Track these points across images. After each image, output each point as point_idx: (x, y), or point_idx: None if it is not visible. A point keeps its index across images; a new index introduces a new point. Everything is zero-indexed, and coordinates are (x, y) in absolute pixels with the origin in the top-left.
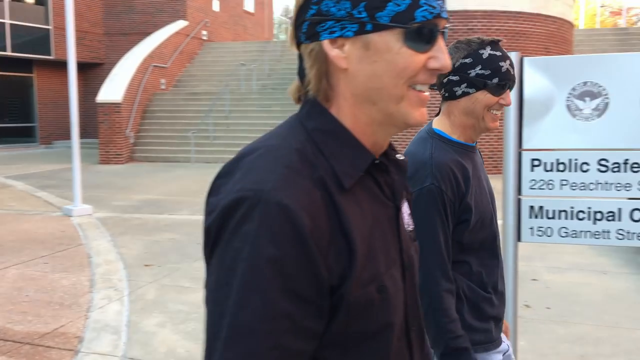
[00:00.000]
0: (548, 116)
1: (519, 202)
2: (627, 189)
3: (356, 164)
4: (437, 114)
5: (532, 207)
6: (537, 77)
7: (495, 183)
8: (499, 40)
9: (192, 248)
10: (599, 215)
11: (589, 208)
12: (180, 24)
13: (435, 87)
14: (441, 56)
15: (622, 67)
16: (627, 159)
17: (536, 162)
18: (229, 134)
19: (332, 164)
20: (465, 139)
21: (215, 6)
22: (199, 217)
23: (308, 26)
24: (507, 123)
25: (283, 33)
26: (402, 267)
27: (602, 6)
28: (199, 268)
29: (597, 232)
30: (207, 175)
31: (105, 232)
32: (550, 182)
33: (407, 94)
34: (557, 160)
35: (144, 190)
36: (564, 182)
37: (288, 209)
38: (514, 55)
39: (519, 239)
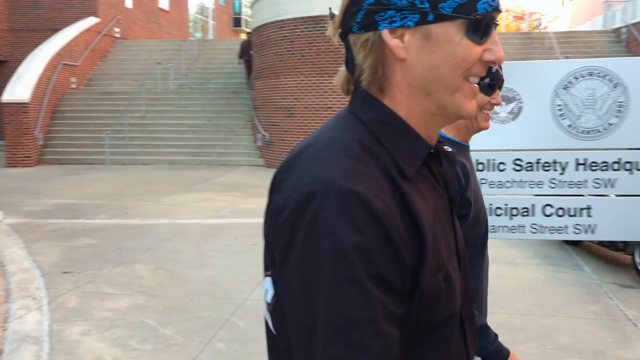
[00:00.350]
0: None
1: None
2: (540, 186)
3: (415, 153)
4: None
5: None
6: None
7: None
8: None
9: (112, 253)
10: (514, 212)
11: (506, 205)
12: (91, 21)
13: None
14: (496, 48)
15: (535, 74)
16: (539, 159)
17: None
18: (145, 135)
19: (392, 154)
20: (460, 138)
21: (128, 3)
22: (118, 221)
23: (364, 15)
24: None
25: (199, 31)
26: (457, 256)
27: (506, 11)
28: (122, 273)
29: (514, 227)
30: (123, 178)
31: (17, 239)
32: None
33: (462, 86)
34: (477, 160)
35: (57, 194)
36: (483, 181)
37: (362, 196)
38: None
39: None
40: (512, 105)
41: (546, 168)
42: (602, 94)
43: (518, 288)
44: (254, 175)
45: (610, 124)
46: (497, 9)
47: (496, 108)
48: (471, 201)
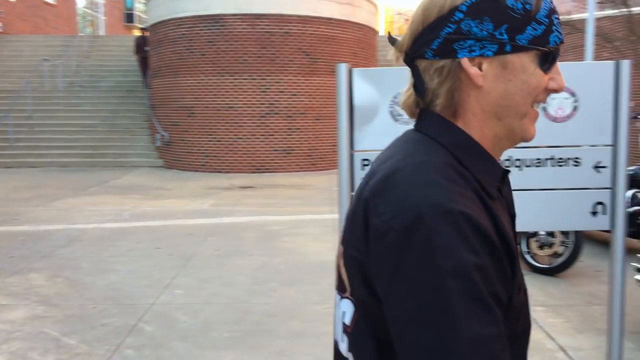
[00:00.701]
0: (375, 121)
1: (351, 198)
2: None
3: (494, 175)
4: None
5: None
6: (364, 86)
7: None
8: None
9: (3, 262)
10: None
11: None
12: None
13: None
14: (559, 77)
15: None
16: None
17: (366, 162)
18: (33, 136)
19: (475, 175)
20: None
21: None
22: (7, 228)
23: (441, 43)
24: (340, 127)
25: (89, 27)
26: None
27: (398, 14)
28: (16, 283)
29: None
30: (9, 182)
31: None
32: None
33: (529, 112)
34: (369, 159)
35: None
36: None
37: (472, 217)
38: (342, 67)
39: None
40: None
41: None
42: None
43: None
44: (154, 177)
45: None
46: (562, 42)
47: (400, 110)
48: None
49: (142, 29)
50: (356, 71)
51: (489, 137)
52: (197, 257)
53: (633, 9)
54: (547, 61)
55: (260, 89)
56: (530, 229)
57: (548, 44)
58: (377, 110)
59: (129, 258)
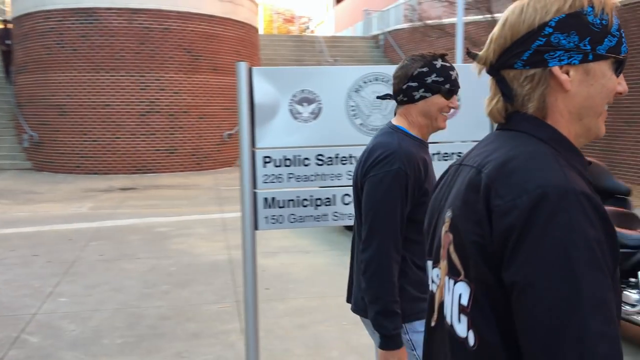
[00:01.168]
0: (275, 119)
1: (254, 195)
2: (339, 178)
3: (582, 166)
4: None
5: (266, 199)
6: (264, 84)
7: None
8: (446, 54)
9: None
10: (319, 202)
11: (311, 196)
12: None
13: (391, 96)
14: (623, 82)
15: (331, 78)
16: (337, 154)
17: (267, 159)
18: None
19: (571, 164)
20: (422, 137)
21: None
22: None
23: (531, 54)
24: (242, 125)
25: None
26: None
27: (277, 13)
28: None
29: (318, 216)
30: None
31: None
32: (280, 176)
33: (603, 112)
34: (284, 157)
35: None
36: (291, 176)
37: (591, 197)
38: (242, 66)
39: (256, 227)
40: (313, 106)
41: (344, 162)
42: None
43: (312, 273)
44: (22, 180)
45: None
46: (627, 51)
47: (299, 109)
48: (428, 190)
49: (4, 21)
50: (256, 70)
51: (572, 136)
52: (80, 263)
53: (496, 14)
54: (619, 68)
55: (139, 86)
56: None
57: (620, 53)
58: (277, 108)
59: (3, 267)
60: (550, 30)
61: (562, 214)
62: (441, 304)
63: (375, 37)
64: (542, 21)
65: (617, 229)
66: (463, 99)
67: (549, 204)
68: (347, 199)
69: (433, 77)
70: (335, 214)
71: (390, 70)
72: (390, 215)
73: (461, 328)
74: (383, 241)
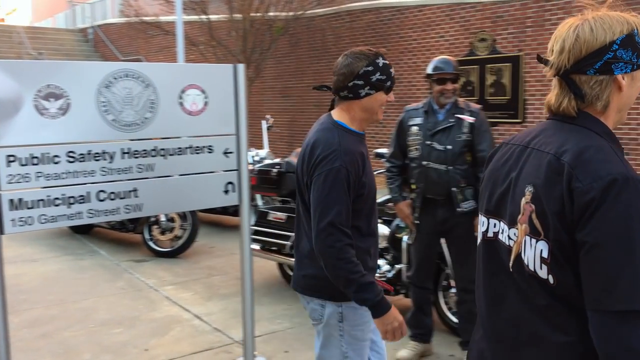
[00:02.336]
0: (19, 115)
1: None
2: (92, 175)
3: (622, 152)
4: (330, 109)
5: (12, 200)
6: (5, 79)
7: None
8: (384, 52)
9: None
10: (72, 200)
11: (63, 195)
12: None
13: (328, 88)
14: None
15: (79, 73)
16: (90, 150)
17: (12, 158)
18: None
19: (618, 154)
20: (359, 129)
21: None
22: None
23: (602, 64)
24: None
25: None
26: None
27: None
28: None
29: (72, 214)
30: None
31: None
32: (27, 175)
33: None
34: (31, 155)
35: None
36: (39, 174)
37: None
38: None
39: (1, 231)
40: (60, 101)
41: (97, 158)
42: (137, 92)
43: (45, 281)
44: None
45: (146, 118)
46: None
47: (46, 104)
48: (366, 183)
49: None
50: None
51: (612, 124)
52: None
53: (212, 16)
54: None
55: None
56: (174, 210)
57: None
58: (21, 104)
59: None
60: (617, 46)
61: (625, 194)
62: (518, 255)
63: (83, 30)
64: (611, 39)
65: None
66: (210, 95)
67: (616, 187)
68: (102, 195)
69: (377, 76)
70: (90, 211)
71: (141, 67)
72: (338, 207)
73: (543, 273)
74: (334, 231)
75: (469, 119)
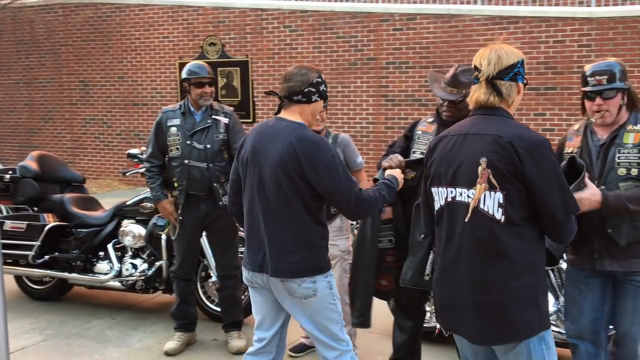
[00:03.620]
0: None
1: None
2: None
3: None
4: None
5: None
6: None
7: None
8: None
9: None
10: None
11: None
12: None
13: (276, 94)
14: None
15: None
16: None
17: None
18: None
19: None
20: None
21: None
22: None
23: (512, 75)
24: None
25: None
26: None
27: None
28: None
29: None
30: None
31: None
32: None
33: None
34: None
35: None
36: None
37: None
38: None
39: None
40: None
41: None
42: None
43: None
44: None
45: None
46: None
47: None
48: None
49: None
50: None
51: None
52: None
53: None
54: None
55: None
56: None
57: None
58: None
59: None
60: (519, 65)
61: (547, 151)
62: (475, 207)
63: None
64: (515, 61)
65: (83, 212)
66: None
67: (543, 147)
68: None
69: (323, 87)
70: None
71: None
72: (352, 182)
73: (498, 214)
74: (362, 198)
75: (224, 120)
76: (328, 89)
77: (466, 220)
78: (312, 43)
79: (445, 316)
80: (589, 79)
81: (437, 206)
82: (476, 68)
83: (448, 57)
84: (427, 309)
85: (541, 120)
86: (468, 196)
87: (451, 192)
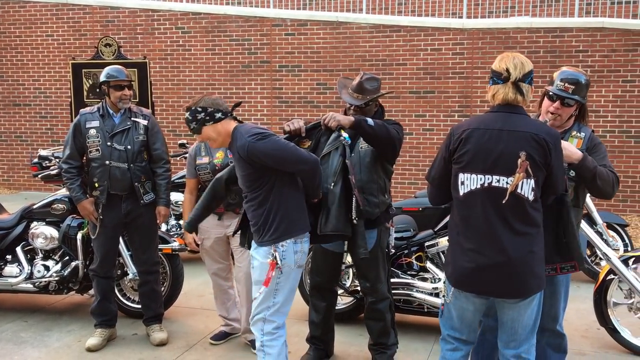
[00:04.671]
0: None
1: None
2: None
3: None
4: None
5: None
6: None
7: None
8: None
9: None
10: None
11: None
12: None
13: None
14: None
15: None
16: None
17: None
18: None
19: None
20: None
21: None
22: None
23: (530, 80)
24: None
25: None
26: None
27: None
28: None
29: None
30: None
31: None
32: None
33: None
34: None
35: None
36: None
37: None
38: None
39: None
40: None
41: None
42: None
43: None
44: None
45: None
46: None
47: None
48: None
49: None
50: None
51: None
52: None
53: None
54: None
55: None
56: None
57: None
58: None
59: None
60: (532, 73)
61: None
62: (513, 191)
63: None
64: (531, 68)
65: None
66: None
67: (560, 140)
68: None
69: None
70: None
71: None
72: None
73: (531, 196)
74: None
75: (143, 121)
76: (223, 91)
77: (503, 202)
78: (206, 45)
79: (476, 278)
80: (558, 82)
81: (464, 189)
82: (497, 72)
83: (338, 61)
84: (339, 291)
85: (421, 121)
86: (507, 182)
87: (488, 178)
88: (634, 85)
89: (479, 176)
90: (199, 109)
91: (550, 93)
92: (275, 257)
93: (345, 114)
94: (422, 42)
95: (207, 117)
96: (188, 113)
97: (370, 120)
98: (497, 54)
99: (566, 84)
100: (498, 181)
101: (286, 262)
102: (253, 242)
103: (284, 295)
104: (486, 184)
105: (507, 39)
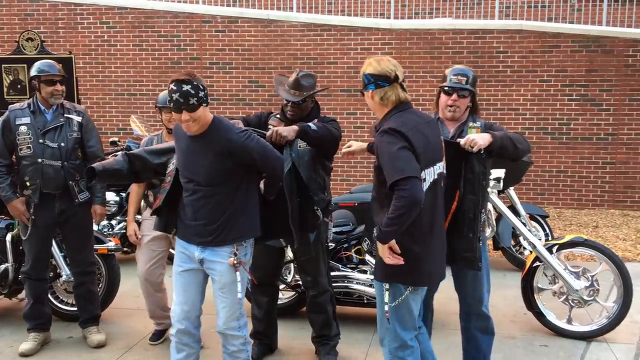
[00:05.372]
0: None
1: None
2: None
3: None
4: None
5: None
6: None
7: None
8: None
9: None
10: None
11: None
12: None
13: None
14: None
15: None
16: None
17: None
18: None
19: None
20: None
21: None
22: None
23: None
24: None
25: None
26: None
27: None
28: None
29: None
30: None
31: None
32: None
33: None
34: None
35: None
36: None
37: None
38: None
39: None
40: None
41: None
42: None
43: None
44: None
45: None
46: None
47: None
48: None
49: None
50: None
51: None
52: None
53: None
54: None
55: None
56: None
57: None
58: None
59: None
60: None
61: None
62: (441, 173)
63: None
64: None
65: None
66: None
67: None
68: None
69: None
70: None
71: None
72: None
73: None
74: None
75: (77, 118)
76: (151, 87)
77: (442, 185)
78: (133, 41)
79: (436, 273)
80: (451, 76)
81: (426, 185)
82: (382, 75)
83: (269, 59)
84: (281, 286)
85: (352, 118)
86: (439, 167)
87: (438, 167)
88: (550, 85)
89: (432, 168)
90: (201, 87)
91: (446, 88)
92: (237, 256)
93: (282, 110)
94: (352, 41)
95: (205, 98)
96: (189, 87)
97: (312, 125)
98: (424, 54)
99: (459, 77)
100: (440, 167)
101: (246, 260)
102: (201, 243)
103: (242, 294)
104: (436, 175)
105: (433, 39)
